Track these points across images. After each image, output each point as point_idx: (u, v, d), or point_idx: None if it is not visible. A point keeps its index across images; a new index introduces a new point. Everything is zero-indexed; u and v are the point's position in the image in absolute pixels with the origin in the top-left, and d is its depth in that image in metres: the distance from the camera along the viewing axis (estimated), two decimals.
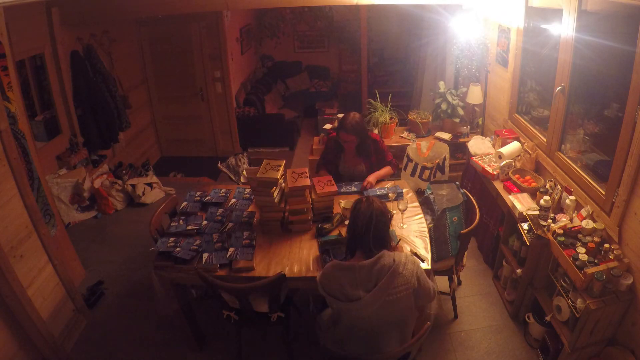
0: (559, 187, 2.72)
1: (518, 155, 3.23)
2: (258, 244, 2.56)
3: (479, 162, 3.33)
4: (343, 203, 2.74)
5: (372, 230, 1.86)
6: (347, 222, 2.21)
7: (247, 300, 2.33)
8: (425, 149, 3.76)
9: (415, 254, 2.34)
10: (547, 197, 2.59)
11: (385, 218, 1.92)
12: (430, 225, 2.73)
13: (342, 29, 7.38)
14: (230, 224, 2.68)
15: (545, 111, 3.18)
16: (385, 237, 1.93)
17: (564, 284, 2.37)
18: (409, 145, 3.87)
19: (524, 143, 3.27)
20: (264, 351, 2.78)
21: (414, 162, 3.74)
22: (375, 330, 1.89)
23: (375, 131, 4.23)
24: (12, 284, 2.40)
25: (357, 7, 6.01)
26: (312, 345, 2.68)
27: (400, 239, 2.47)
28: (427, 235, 2.57)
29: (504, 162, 3.13)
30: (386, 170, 3.20)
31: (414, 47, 6.30)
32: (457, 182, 2.99)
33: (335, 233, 2.58)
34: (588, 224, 2.34)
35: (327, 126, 4.27)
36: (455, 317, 2.96)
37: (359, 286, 1.82)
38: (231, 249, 2.43)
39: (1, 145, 2.41)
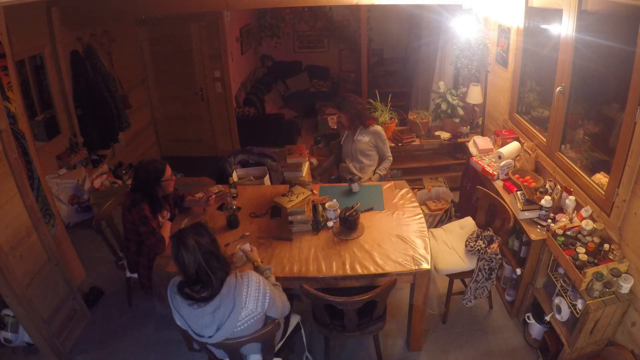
0: (558, 187, 2.72)
1: (518, 155, 3.23)
2: (259, 244, 2.57)
3: (479, 162, 3.33)
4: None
5: (204, 269, 1.75)
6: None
7: (239, 353, 2.04)
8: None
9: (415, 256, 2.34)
10: (547, 197, 2.59)
11: (209, 249, 1.78)
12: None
13: (342, 29, 7.38)
14: None
15: (545, 111, 3.18)
16: (221, 268, 1.79)
17: (564, 284, 2.37)
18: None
19: (524, 143, 3.27)
20: None
21: None
22: (231, 347, 1.90)
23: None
24: (12, 284, 2.40)
25: (357, 7, 6.00)
26: None
27: (245, 260, 2.31)
28: (427, 235, 2.58)
29: (503, 162, 3.13)
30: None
31: (414, 47, 6.30)
32: None
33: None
34: (588, 224, 2.34)
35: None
36: (490, 307, 3.04)
37: (204, 329, 1.81)
38: None
39: (1, 145, 2.41)
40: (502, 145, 3.38)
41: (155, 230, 2.58)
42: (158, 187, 2.64)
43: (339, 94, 7.27)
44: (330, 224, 2.69)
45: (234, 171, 3.65)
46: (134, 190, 2.63)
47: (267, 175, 3.66)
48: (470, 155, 3.65)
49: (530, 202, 2.66)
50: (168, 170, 2.68)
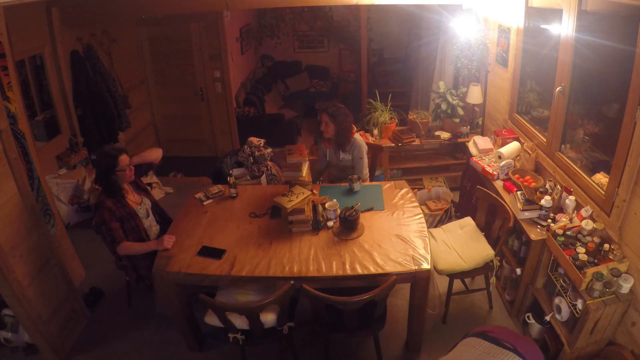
0: (558, 187, 2.72)
1: (518, 155, 3.24)
2: (258, 244, 2.57)
3: (479, 162, 3.33)
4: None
5: None
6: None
7: (258, 318, 2.24)
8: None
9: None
10: (547, 197, 2.59)
11: None
12: None
13: (342, 29, 7.37)
14: None
15: (545, 111, 3.18)
16: None
17: (564, 284, 2.37)
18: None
19: (524, 143, 3.27)
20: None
21: None
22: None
23: (375, 131, 4.24)
24: (12, 284, 2.40)
25: (357, 7, 6.01)
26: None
27: None
28: (427, 235, 2.58)
29: (503, 162, 3.13)
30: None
31: (414, 47, 6.30)
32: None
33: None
34: (588, 224, 2.34)
35: None
36: (490, 307, 3.04)
37: None
38: None
39: (1, 145, 2.41)
40: (502, 145, 3.38)
41: (114, 239, 2.55)
42: (114, 177, 2.58)
43: (339, 94, 7.30)
44: (330, 224, 2.69)
45: (231, 171, 3.63)
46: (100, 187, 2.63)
47: (264, 175, 3.66)
48: (470, 155, 3.65)
49: (530, 202, 2.66)
50: (122, 161, 2.57)
